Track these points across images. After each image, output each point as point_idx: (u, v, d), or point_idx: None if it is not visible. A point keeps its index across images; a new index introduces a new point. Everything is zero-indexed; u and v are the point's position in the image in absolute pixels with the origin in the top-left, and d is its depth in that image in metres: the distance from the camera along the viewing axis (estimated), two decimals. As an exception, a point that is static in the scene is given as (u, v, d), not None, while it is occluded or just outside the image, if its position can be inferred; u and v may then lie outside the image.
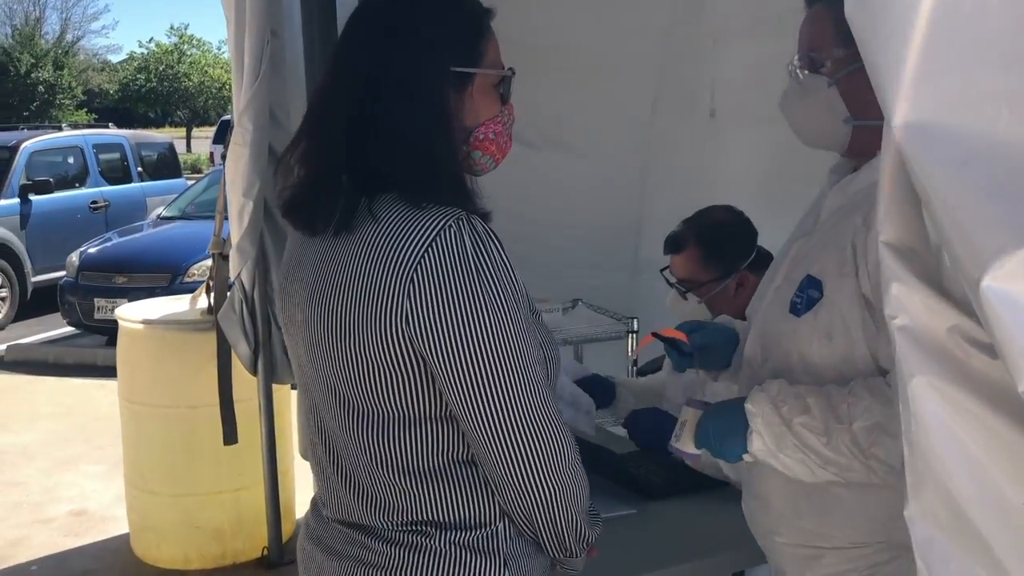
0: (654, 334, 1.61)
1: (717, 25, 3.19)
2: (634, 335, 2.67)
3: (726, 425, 1.32)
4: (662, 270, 2.23)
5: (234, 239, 2.75)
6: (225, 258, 2.95)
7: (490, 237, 1.09)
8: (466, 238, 1.07)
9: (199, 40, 33.92)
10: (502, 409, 1.07)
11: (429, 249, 1.06)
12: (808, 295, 1.34)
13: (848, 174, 1.43)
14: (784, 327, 1.39)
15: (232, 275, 2.83)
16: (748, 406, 1.30)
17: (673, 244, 2.17)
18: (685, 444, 1.36)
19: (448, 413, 1.11)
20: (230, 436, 2.92)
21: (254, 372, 2.93)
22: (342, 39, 1.18)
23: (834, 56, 1.33)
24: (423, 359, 1.09)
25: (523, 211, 2.89)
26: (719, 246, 2.12)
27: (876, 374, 1.28)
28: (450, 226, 1.07)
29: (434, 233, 1.07)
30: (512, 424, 1.08)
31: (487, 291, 1.06)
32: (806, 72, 1.38)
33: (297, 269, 1.21)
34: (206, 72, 32.95)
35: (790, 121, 1.42)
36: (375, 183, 1.12)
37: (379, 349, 1.09)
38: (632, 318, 2.68)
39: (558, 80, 3.05)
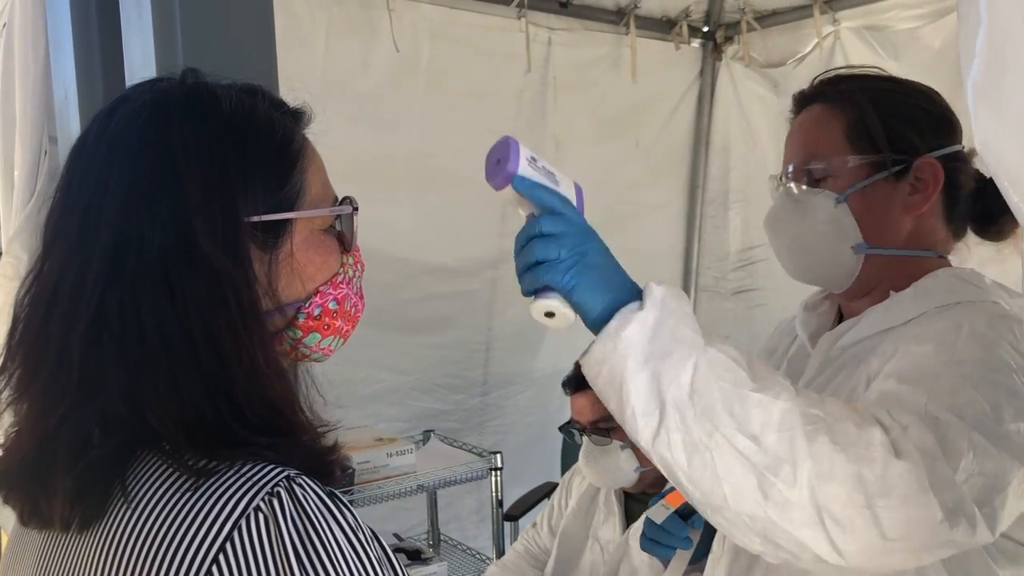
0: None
1: (559, 129, 3.18)
2: (498, 472, 2.36)
3: None
4: (563, 427, 1.90)
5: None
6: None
7: (335, 518, 0.63)
8: (287, 529, 0.61)
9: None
10: None
11: (216, 564, 0.60)
12: None
13: (827, 313, 1.17)
14: None
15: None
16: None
17: (577, 381, 1.82)
18: None
19: None
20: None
21: None
22: (61, 193, 0.71)
23: (844, 166, 1.07)
24: None
25: (361, 333, 2.59)
26: None
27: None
28: (257, 509, 0.61)
29: (226, 529, 0.61)
30: None
31: None
32: (803, 186, 1.09)
33: (15, 571, 0.76)
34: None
35: (779, 246, 1.12)
36: (133, 435, 0.66)
37: None
38: (495, 453, 2.38)
39: (407, 192, 2.87)
